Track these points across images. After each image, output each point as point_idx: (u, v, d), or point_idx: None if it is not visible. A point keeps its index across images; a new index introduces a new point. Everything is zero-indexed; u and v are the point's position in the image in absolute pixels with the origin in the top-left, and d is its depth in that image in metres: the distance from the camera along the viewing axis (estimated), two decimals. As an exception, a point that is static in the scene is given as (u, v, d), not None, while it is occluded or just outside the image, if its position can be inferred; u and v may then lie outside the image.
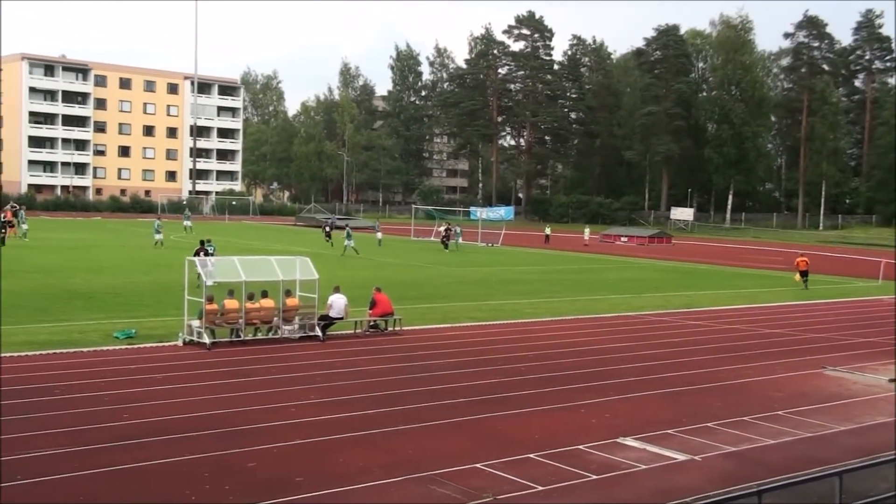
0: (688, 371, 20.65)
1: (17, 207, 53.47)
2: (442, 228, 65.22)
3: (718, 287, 41.32)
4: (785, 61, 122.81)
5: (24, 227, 55.89)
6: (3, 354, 19.16)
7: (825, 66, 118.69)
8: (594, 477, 12.53)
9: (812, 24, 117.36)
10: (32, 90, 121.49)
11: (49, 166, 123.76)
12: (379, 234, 62.29)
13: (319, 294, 23.42)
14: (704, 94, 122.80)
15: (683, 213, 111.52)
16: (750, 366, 21.60)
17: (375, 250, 56.18)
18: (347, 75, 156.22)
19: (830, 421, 16.28)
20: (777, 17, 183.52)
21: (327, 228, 66.03)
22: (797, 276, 42.68)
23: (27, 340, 20.79)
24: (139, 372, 18.14)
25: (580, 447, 13.88)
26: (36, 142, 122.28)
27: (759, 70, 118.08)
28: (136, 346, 20.88)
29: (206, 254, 32.56)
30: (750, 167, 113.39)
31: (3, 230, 48.39)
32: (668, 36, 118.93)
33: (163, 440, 13.39)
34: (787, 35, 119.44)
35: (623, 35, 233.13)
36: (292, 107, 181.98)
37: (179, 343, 21.26)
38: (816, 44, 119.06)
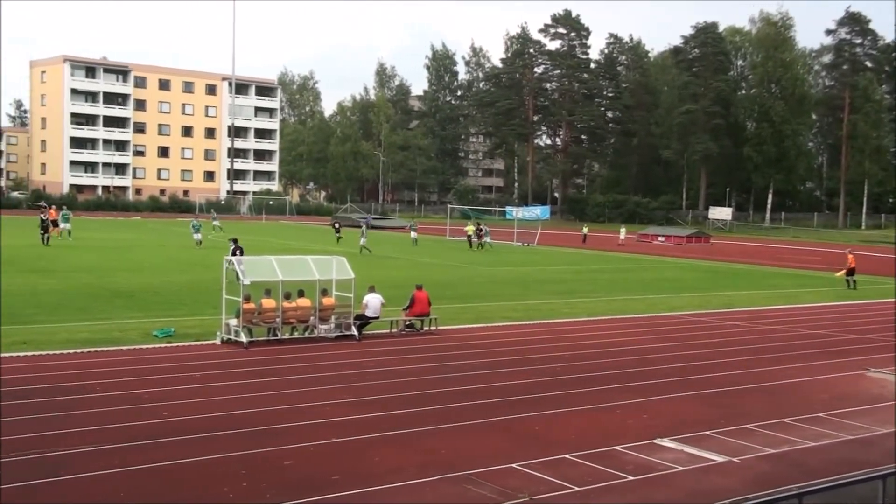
0: (726, 372, 20.41)
1: (47, 207, 54.29)
2: (470, 228, 64.88)
3: (758, 287, 40.83)
4: (826, 58, 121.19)
5: (67, 226, 56.78)
6: (47, 353, 19.48)
7: (868, 63, 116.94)
8: (631, 478, 12.42)
9: (854, 21, 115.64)
10: (74, 92, 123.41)
11: (90, 167, 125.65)
12: (414, 234, 62.35)
13: (355, 293, 23.50)
14: (743, 92, 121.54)
15: (722, 213, 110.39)
16: (790, 367, 21.31)
17: (411, 250, 56.27)
18: (383, 75, 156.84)
19: (873, 423, 15.99)
20: (818, 14, 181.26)
21: (337, 225, 67.18)
22: (841, 272, 41.93)
23: (68, 339, 21.10)
24: (178, 370, 18.32)
25: (617, 448, 13.77)
26: (77, 143, 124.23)
27: (799, 67, 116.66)
28: (174, 345, 21.09)
29: (235, 252, 32.98)
30: (790, 166, 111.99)
31: (46, 231, 48.80)
32: (706, 33, 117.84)
33: (200, 438, 13.51)
34: (828, 32, 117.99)
35: (661, 33, 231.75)
36: (328, 107, 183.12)
37: (217, 342, 21.44)
38: (859, 40, 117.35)
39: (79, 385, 16.58)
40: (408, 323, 24.43)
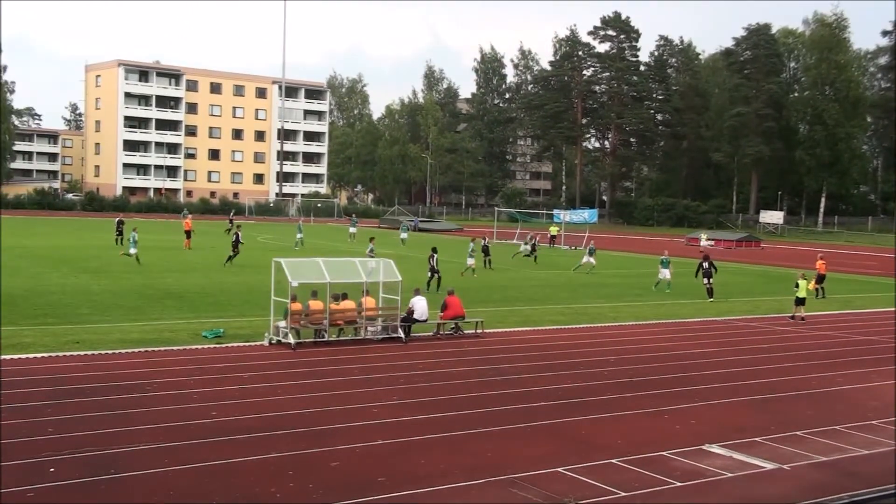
0: (777, 378, 20.11)
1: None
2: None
3: (809, 292, 40.09)
4: (882, 60, 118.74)
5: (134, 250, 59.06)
6: (100, 352, 19.87)
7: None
8: (678, 484, 12.30)
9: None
10: (128, 95, 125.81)
11: (142, 169, 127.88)
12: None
13: (402, 296, 23.60)
14: (796, 94, 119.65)
15: (773, 217, 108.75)
16: (842, 373, 20.93)
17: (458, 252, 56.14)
18: (431, 78, 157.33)
19: (928, 432, 15.63)
20: (874, 15, 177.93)
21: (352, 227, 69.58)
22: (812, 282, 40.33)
23: (122, 339, 21.49)
24: (226, 371, 18.55)
25: (664, 453, 13.64)
26: (130, 145, 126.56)
27: (854, 69, 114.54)
28: (223, 346, 21.36)
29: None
30: (843, 169, 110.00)
31: (121, 234, 50.89)
32: (758, 35, 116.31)
33: (248, 438, 13.66)
34: (885, 33, 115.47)
35: (712, 35, 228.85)
36: (377, 110, 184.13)
37: (265, 343, 21.67)
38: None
39: (130, 384, 16.87)
40: (453, 325, 24.48)
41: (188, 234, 53.65)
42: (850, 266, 57.78)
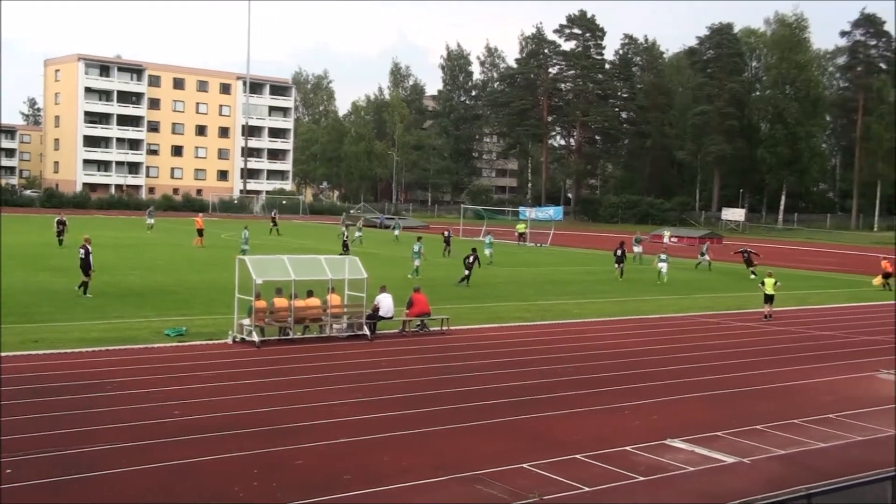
0: (737, 373, 20.39)
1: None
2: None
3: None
4: (841, 60, 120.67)
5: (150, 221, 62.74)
6: (59, 351, 19.63)
7: (882, 65, 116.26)
8: (641, 478, 12.45)
9: (869, 22, 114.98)
10: (88, 90, 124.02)
11: (103, 165, 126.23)
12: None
13: (367, 293, 23.58)
14: (758, 93, 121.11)
15: (735, 214, 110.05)
16: (801, 368, 21.27)
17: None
18: (398, 75, 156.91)
19: (883, 425, 15.95)
20: (833, 16, 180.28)
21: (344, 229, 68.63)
22: (878, 279, 41.95)
23: (81, 337, 21.23)
24: (189, 369, 18.42)
25: (627, 448, 13.79)
26: (91, 141, 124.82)
27: (814, 69, 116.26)
28: (186, 344, 21.20)
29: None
30: (803, 167, 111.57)
31: (62, 234, 47.62)
32: (721, 34, 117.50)
33: (212, 437, 13.59)
34: (843, 33, 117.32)
35: (675, 34, 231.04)
36: (343, 106, 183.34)
37: (229, 341, 21.54)
38: (874, 42, 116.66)
39: (91, 384, 16.70)
40: (419, 322, 24.51)
41: (200, 231, 53.22)
42: (810, 263, 58.64)
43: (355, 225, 66.40)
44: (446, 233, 55.67)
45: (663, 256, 43.30)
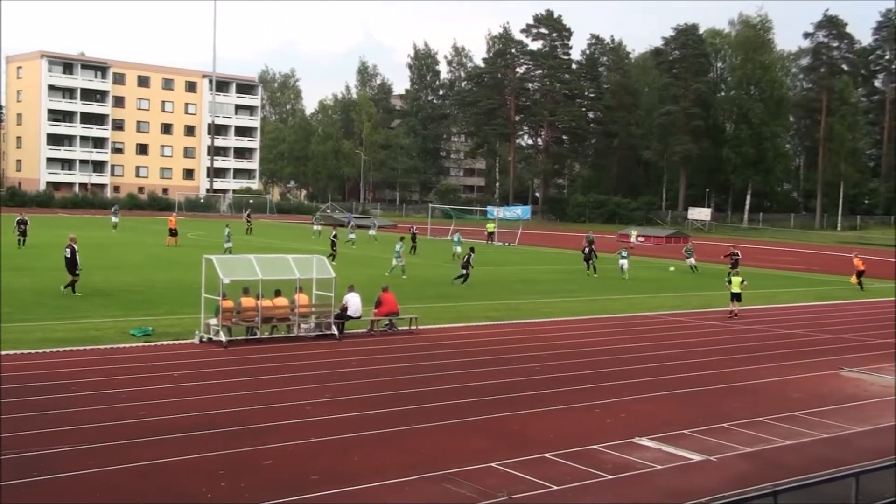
0: (704, 371, 20.57)
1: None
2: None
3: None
4: (804, 61, 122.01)
5: (115, 219, 63.74)
6: (21, 352, 19.33)
7: (844, 66, 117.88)
8: (609, 477, 12.51)
9: (832, 24, 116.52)
10: (52, 88, 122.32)
11: (67, 164, 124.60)
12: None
13: (336, 293, 23.48)
14: (723, 93, 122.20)
15: (701, 213, 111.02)
16: (767, 366, 21.50)
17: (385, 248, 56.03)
18: (365, 74, 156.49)
19: (847, 422, 16.18)
20: (797, 17, 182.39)
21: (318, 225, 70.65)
22: (854, 279, 42.55)
23: (44, 338, 20.93)
24: (156, 370, 18.23)
25: (595, 447, 13.85)
26: (55, 139, 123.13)
27: (778, 70, 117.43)
28: (152, 344, 20.99)
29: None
30: (768, 167, 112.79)
31: (24, 235, 45.94)
32: (686, 35, 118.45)
33: (179, 437, 13.46)
34: (806, 35, 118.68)
35: (641, 34, 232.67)
36: (310, 105, 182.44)
37: (196, 341, 21.36)
38: (836, 43, 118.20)
39: (55, 384, 16.47)
40: (387, 322, 24.46)
41: (172, 231, 52.65)
42: (774, 262, 59.32)
43: (346, 226, 67.27)
44: (413, 230, 57.09)
45: (624, 253, 44.57)
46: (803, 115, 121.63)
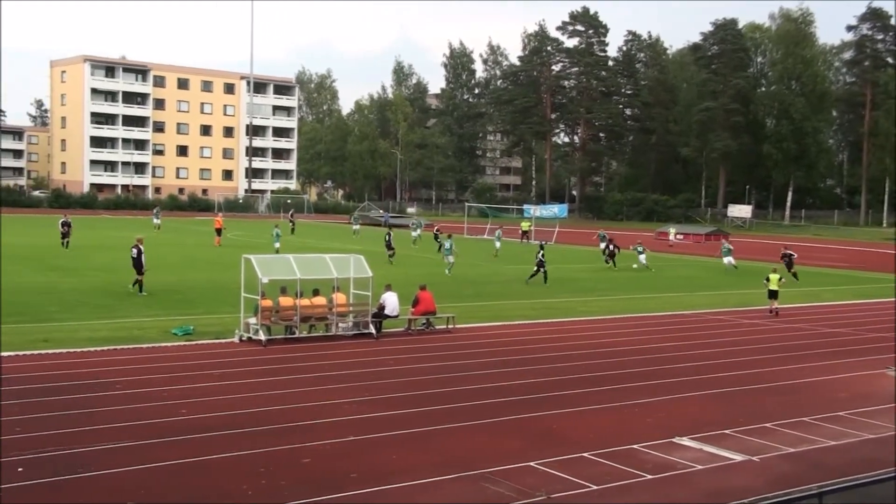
0: (745, 370, 20.31)
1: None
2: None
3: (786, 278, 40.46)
4: (847, 55, 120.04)
5: (157, 221, 64.37)
6: (67, 350, 19.63)
7: (889, 59, 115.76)
8: (649, 477, 12.39)
9: (876, 17, 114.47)
10: (94, 91, 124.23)
11: (110, 166, 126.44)
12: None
13: (373, 291, 23.55)
14: (763, 89, 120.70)
15: (741, 211, 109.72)
16: (810, 365, 21.18)
17: (427, 248, 56.17)
18: (400, 73, 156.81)
19: (893, 422, 15.86)
20: (839, 10, 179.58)
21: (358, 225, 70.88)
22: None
23: (89, 337, 21.25)
24: (197, 368, 18.42)
25: (635, 447, 13.72)
26: (97, 142, 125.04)
27: (820, 64, 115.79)
28: (193, 343, 21.21)
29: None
30: (810, 163, 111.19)
31: (67, 235, 46.67)
32: (725, 30, 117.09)
33: (219, 435, 13.57)
34: (849, 28, 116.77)
35: (679, 30, 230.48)
36: (346, 105, 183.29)
37: (236, 340, 21.54)
38: (881, 36, 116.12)
39: (99, 383, 16.69)
40: (424, 321, 24.47)
41: (219, 231, 54.17)
42: (817, 259, 58.44)
43: (384, 225, 67.06)
44: (436, 230, 58.78)
45: (640, 248, 46.56)
46: (846, 109, 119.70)
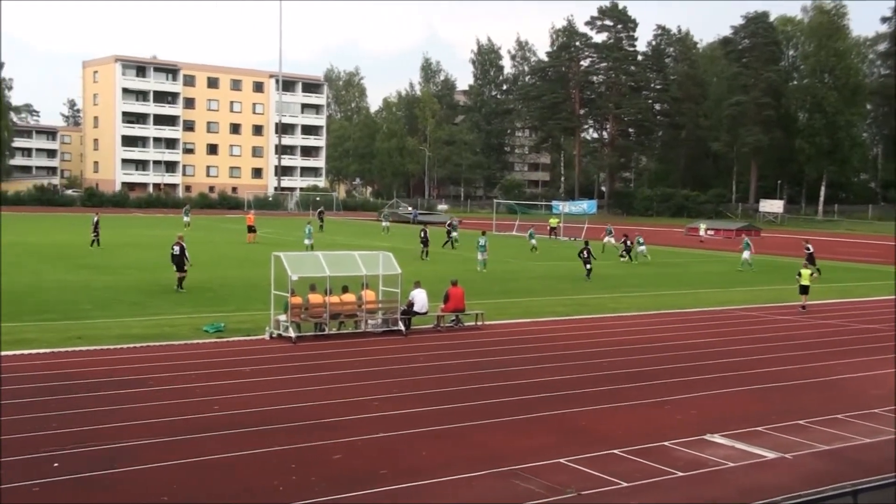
0: (777, 367, 20.11)
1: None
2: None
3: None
4: (882, 46, 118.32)
5: (187, 219, 64.52)
6: (101, 347, 19.87)
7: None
8: (680, 474, 12.31)
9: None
10: (125, 91, 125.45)
11: (141, 165, 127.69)
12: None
13: (402, 288, 23.59)
14: (795, 82, 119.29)
15: (773, 206, 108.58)
16: (843, 362, 20.93)
17: (462, 246, 56.12)
18: (428, 70, 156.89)
19: (930, 420, 15.63)
20: (874, 2, 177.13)
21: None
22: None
23: (122, 334, 21.48)
24: (228, 365, 18.56)
25: (666, 444, 13.64)
26: (129, 141, 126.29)
27: (853, 56, 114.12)
28: (224, 340, 21.37)
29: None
30: (844, 157, 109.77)
31: (96, 234, 46.72)
32: (756, 23, 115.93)
33: (250, 431, 13.67)
34: (884, 19, 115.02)
35: (709, 24, 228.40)
36: (374, 103, 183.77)
37: (266, 337, 21.67)
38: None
39: (132, 379, 16.87)
40: (454, 317, 24.48)
41: (251, 228, 55.00)
42: (851, 254, 57.76)
43: (412, 221, 67.29)
44: (454, 221, 59.18)
45: (641, 240, 48.42)
46: (881, 102, 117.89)
